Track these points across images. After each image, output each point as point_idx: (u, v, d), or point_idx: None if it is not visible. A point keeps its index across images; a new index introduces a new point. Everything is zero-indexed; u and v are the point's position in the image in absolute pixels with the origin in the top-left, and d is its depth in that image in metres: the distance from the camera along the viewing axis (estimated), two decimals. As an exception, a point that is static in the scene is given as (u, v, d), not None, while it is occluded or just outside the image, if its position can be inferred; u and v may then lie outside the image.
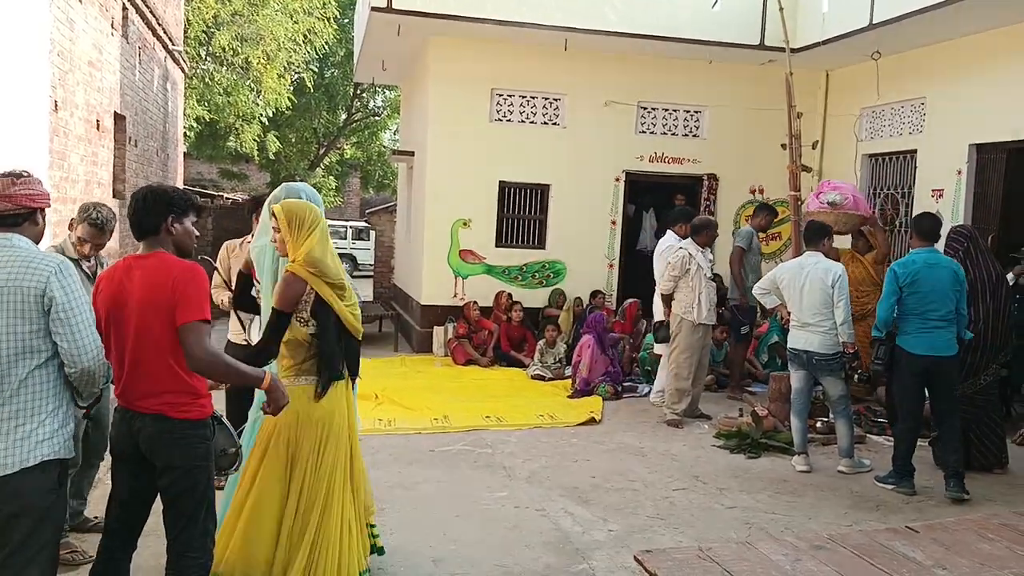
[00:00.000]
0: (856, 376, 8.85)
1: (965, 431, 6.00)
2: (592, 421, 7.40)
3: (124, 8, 9.46)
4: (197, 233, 3.24)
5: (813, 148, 9.27)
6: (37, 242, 2.91)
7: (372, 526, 3.99)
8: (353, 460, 3.66)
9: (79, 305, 2.78)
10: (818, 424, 7.01)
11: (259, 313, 4.26)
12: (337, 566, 3.42)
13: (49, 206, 2.96)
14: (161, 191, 3.15)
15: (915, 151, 9.78)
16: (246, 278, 4.12)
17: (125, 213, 9.74)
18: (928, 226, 5.89)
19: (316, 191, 4.07)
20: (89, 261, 4.23)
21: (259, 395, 3.98)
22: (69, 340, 2.75)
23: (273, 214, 3.52)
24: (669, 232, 8.07)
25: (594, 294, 10.55)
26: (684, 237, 7.75)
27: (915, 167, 9.76)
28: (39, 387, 2.76)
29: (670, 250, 7.70)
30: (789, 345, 6.42)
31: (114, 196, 9.09)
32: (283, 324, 3.40)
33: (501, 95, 10.67)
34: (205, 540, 3.10)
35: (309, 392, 3.47)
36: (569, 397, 8.32)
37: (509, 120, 10.72)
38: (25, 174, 2.86)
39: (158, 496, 3.13)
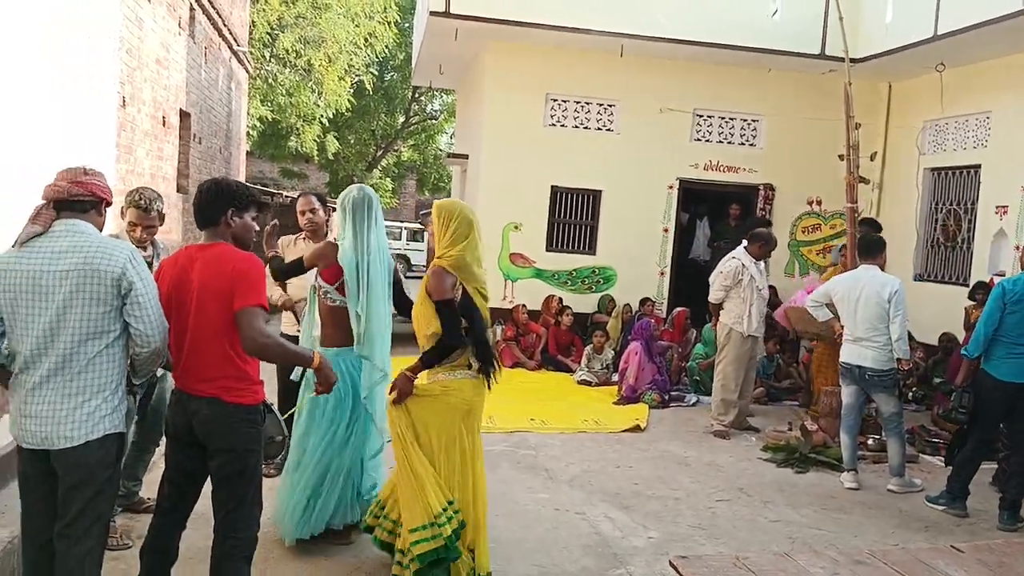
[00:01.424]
0: (910, 394, 8.68)
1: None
2: (637, 428, 7.37)
3: (191, 9, 9.73)
4: (257, 228, 3.32)
5: (871, 159, 9.11)
6: None
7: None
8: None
9: (152, 289, 2.94)
10: (869, 441, 6.87)
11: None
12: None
13: (112, 203, 3.10)
14: (224, 184, 3.25)
15: (979, 166, 9.54)
16: (298, 266, 4.48)
17: (190, 207, 9.95)
18: None
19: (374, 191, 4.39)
20: (145, 250, 4.21)
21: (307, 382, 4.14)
22: (145, 322, 2.89)
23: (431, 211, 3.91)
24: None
25: (643, 301, 10.50)
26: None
27: (979, 182, 9.53)
28: (105, 365, 2.90)
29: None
30: (841, 359, 6.29)
31: (178, 191, 9.36)
32: (452, 311, 3.71)
33: (556, 100, 10.71)
34: (251, 522, 3.19)
35: (471, 384, 3.82)
36: (615, 403, 8.30)
37: (563, 125, 10.75)
38: (92, 170, 3.02)
39: (208, 479, 3.23)
